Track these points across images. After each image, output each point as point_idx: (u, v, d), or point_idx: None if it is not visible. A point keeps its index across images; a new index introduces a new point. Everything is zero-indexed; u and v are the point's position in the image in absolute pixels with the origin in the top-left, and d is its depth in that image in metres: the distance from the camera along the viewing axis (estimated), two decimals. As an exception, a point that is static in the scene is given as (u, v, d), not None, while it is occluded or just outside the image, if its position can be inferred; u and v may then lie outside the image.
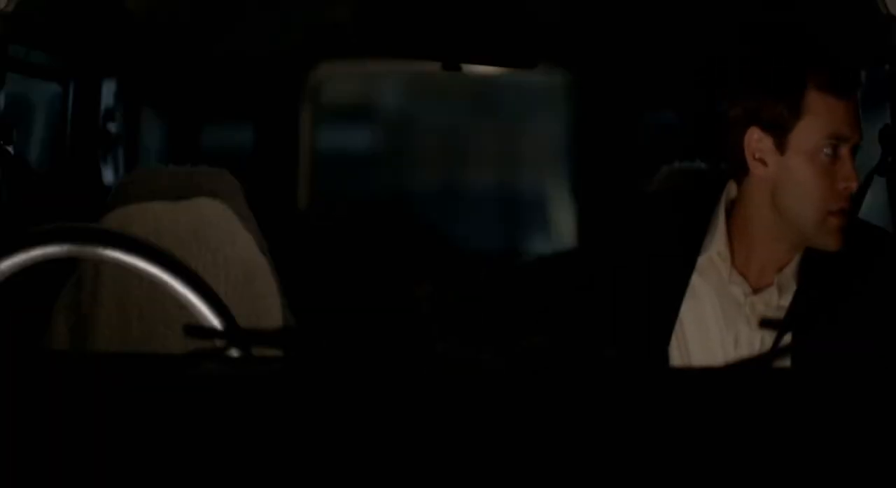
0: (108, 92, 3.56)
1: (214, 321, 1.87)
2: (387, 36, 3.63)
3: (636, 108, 4.20)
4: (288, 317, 2.62)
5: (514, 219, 4.48)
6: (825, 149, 2.48)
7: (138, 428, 1.51)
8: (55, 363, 1.85)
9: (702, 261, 2.57)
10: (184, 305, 1.89)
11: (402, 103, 4.50)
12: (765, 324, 2.48)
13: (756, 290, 2.55)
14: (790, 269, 2.55)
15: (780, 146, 2.50)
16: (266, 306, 2.58)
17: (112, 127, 3.59)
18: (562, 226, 4.38)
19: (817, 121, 2.48)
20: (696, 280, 2.58)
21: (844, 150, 2.48)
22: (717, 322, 2.56)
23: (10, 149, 2.73)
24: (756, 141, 2.51)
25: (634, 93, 4.14)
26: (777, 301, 2.54)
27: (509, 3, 3.47)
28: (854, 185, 2.48)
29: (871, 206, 2.89)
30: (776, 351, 2.41)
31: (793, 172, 2.50)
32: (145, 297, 2.55)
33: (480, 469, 1.45)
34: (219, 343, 1.83)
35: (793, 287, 2.54)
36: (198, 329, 1.84)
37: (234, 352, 1.83)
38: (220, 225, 2.59)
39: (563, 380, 1.66)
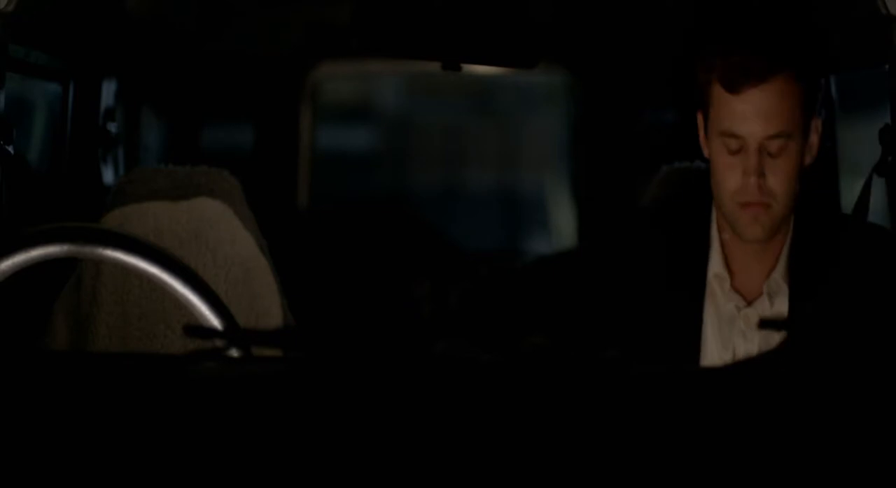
0: (108, 92, 3.56)
1: (214, 321, 1.88)
2: (387, 36, 3.63)
3: (636, 107, 4.20)
4: (288, 316, 2.62)
5: (514, 219, 4.48)
6: (727, 143, 2.49)
7: (138, 428, 1.51)
8: (55, 363, 1.85)
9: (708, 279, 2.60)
10: (184, 305, 1.89)
11: (402, 103, 4.50)
12: (764, 324, 2.49)
13: (749, 302, 2.56)
14: (778, 273, 2.55)
15: (706, 128, 2.55)
16: (266, 306, 2.58)
17: (112, 127, 3.59)
18: (562, 226, 4.38)
19: (716, 114, 2.51)
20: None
21: (752, 144, 2.47)
22: (715, 339, 2.57)
23: (10, 149, 2.73)
24: (700, 120, 2.57)
25: (634, 93, 4.14)
26: (769, 309, 2.54)
27: (509, 3, 3.47)
28: (754, 180, 2.46)
29: (872, 206, 2.89)
30: (776, 350, 2.41)
31: (711, 156, 2.54)
32: (145, 297, 2.55)
33: (480, 468, 1.45)
34: (219, 343, 1.83)
35: (784, 291, 2.55)
36: (198, 329, 1.84)
37: (234, 352, 1.83)
38: (219, 224, 2.59)
39: (563, 380, 1.66)
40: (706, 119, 2.54)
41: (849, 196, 3.15)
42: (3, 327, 2.64)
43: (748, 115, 2.47)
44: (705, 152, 2.56)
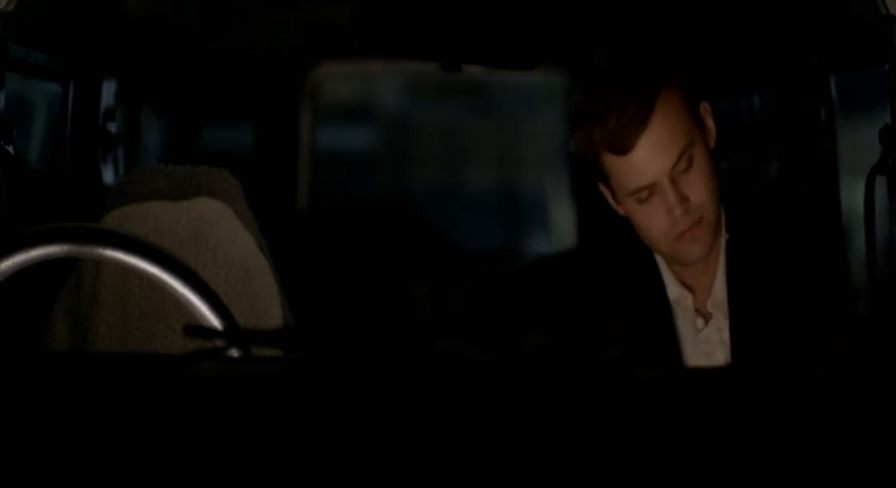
0: (108, 92, 3.56)
1: (214, 321, 1.87)
2: (387, 36, 3.63)
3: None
4: (288, 316, 2.62)
5: (514, 219, 4.48)
6: (640, 196, 2.44)
7: (138, 428, 1.51)
8: (55, 363, 1.85)
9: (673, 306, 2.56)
10: (184, 305, 1.89)
11: (402, 103, 4.50)
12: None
13: (707, 321, 2.53)
14: (718, 287, 2.52)
15: (613, 196, 2.51)
16: (266, 306, 2.58)
17: (112, 127, 3.59)
18: (562, 226, 4.38)
19: (617, 180, 2.46)
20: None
21: (664, 181, 2.42)
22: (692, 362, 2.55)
23: (10, 149, 2.73)
24: (603, 190, 2.54)
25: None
26: (725, 326, 2.50)
27: (509, 4, 3.47)
28: (679, 212, 2.41)
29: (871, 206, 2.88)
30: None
31: (630, 215, 2.49)
32: (145, 297, 2.55)
33: (480, 468, 1.45)
34: (219, 343, 1.83)
35: (725, 306, 2.51)
36: (198, 329, 1.84)
37: (234, 352, 1.83)
38: (219, 224, 2.58)
39: (563, 380, 1.66)
40: (610, 189, 2.50)
41: (849, 196, 3.15)
42: (3, 327, 2.64)
43: (648, 160, 2.42)
44: (620, 212, 2.52)
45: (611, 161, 2.44)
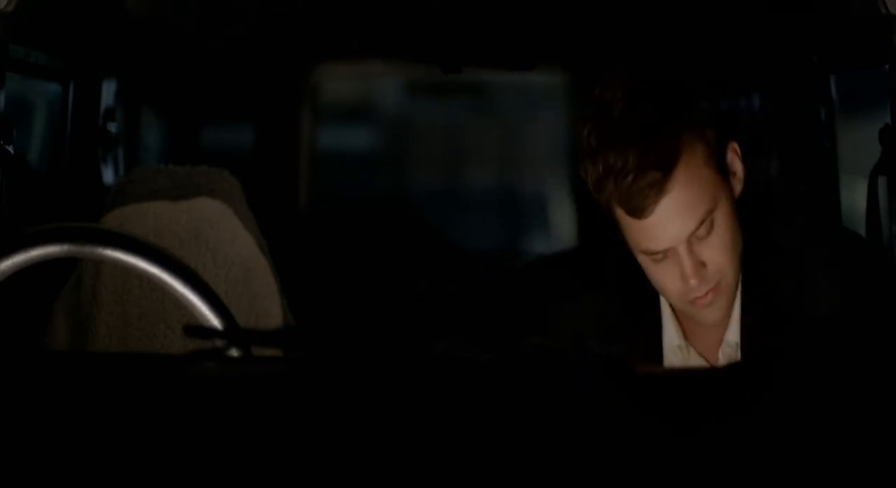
0: (108, 92, 3.57)
1: (214, 321, 1.87)
2: (386, 37, 3.64)
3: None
4: (288, 316, 2.62)
5: (514, 219, 4.48)
6: (653, 257, 2.27)
7: (138, 428, 1.51)
8: (55, 363, 1.85)
9: (666, 352, 2.41)
10: (184, 305, 1.89)
11: (402, 103, 4.50)
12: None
13: (714, 364, 2.41)
14: (731, 334, 2.37)
15: (628, 242, 2.33)
16: (266, 306, 2.58)
17: (112, 127, 3.59)
18: (562, 226, 4.38)
19: (630, 236, 2.28)
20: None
21: (680, 248, 2.23)
22: None
23: (10, 149, 2.73)
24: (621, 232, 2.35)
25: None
26: None
27: (509, 4, 3.47)
28: (694, 282, 2.23)
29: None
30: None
31: (641, 263, 2.32)
32: (145, 297, 2.55)
33: (480, 468, 1.45)
34: (219, 343, 1.83)
35: (738, 353, 2.36)
36: (198, 329, 1.84)
37: (234, 352, 1.83)
38: (219, 224, 2.59)
39: (562, 380, 1.66)
40: (623, 234, 2.30)
41: (849, 196, 3.16)
42: (3, 327, 2.64)
43: (664, 227, 2.23)
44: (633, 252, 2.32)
45: (622, 216, 2.26)
